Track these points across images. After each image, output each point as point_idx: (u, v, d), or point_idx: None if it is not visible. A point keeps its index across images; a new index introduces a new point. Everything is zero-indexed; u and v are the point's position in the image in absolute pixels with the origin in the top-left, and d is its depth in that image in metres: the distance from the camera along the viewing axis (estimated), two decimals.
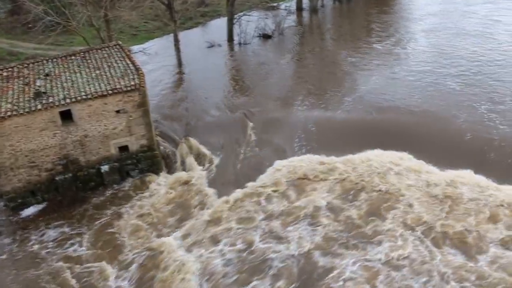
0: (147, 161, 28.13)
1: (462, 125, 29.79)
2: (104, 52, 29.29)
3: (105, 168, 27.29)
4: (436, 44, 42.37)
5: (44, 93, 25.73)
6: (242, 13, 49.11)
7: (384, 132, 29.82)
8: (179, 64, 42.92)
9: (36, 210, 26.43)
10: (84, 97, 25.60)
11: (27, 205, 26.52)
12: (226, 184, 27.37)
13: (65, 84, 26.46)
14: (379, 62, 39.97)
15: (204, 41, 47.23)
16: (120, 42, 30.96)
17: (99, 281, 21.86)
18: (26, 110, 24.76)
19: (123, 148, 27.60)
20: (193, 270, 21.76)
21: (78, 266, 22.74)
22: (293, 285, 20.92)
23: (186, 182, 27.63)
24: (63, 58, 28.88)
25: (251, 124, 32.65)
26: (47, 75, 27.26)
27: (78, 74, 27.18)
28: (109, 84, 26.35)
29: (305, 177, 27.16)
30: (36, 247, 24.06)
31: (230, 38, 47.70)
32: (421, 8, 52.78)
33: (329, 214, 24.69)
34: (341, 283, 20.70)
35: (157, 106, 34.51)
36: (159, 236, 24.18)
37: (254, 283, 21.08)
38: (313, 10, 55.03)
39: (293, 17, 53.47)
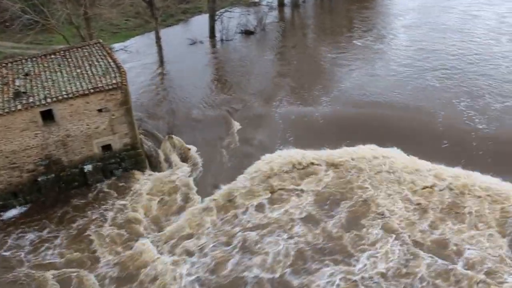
0: (130, 159, 27.95)
1: (441, 121, 30.19)
2: (84, 50, 28.95)
3: (88, 167, 27.04)
4: (416, 40, 42.80)
5: (24, 93, 25.35)
6: (223, 10, 48.95)
7: (365, 127, 30.21)
8: (161, 61, 42.64)
9: (18, 212, 26.04)
10: (65, 96, 25.29)
11: (9, 207, 26.11)
12: (210, 182, 27.40)
13: (45, 83, 26.10)
14: (360, 58, 40.23)
15: (185, 38, 46.98)
16: (101, 40, 30.63)
17: None
18: (6, 110, 24.36)
19: (106, 147, 27.37)
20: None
21: (49, 272, 21.99)
22: None
23: (169, 181, 27.48)
24: (43, 57, 28.44)
25: (234, 121, 32.71)
26: (26, 74, 26.85)
27: (58, 73, 26.82)
28: (91, 83, 26.07)
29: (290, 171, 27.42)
30: (8, 253, 23.34)
31: (212, 35, 47.55)
32: (401, 3, 53.22)
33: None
34: None
35: (139, 104, 34.27)
36: (136, 240, 23.62)
37: None
38: (295, 5, 55.17)
39: (275, 12, 53.53)
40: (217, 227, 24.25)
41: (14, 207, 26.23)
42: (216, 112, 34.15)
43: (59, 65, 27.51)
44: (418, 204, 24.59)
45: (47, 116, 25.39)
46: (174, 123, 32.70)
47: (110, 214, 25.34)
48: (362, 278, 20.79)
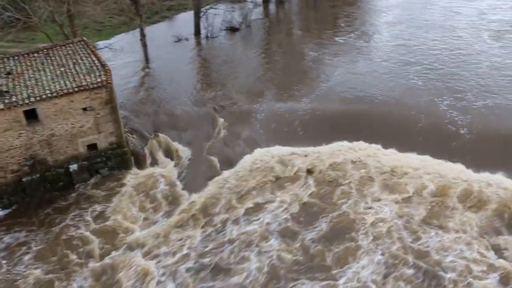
0: (116, 158, 27.80)
1: (423, 121, 30.14)
2: (68, 48, 28.69)
3: (73, 167, 26.83)
4: (399, 37, 42.86)
5: (7, 92, 25.02)
6: (208, 6, 48.77)
7: (350, 123, 30.46)
8: (146, 59, 42.40)
9: (2, 214, 25.72)
10: (49, 95, 25.05)
11: None
12: (195, 180, 27.37)
13: (28, 82, 25.80)
14: (342, 56, 40.12)
15: (171, 35, 46.73)
16: (85, 38, 30.37)
17: None
18: None
19: (92, 146, 27.19)
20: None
21: (22, 280, 21.42)
22: None
23: (154, 181, 27.35)
24: (26, 55, 28.12)
25: (220, 118, 32.71)
26: (8, 73, 26.51)
27: (42, 72, 26.54)
28: (75, 81, 25.85)
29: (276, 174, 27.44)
30: None
31: (197, 32, 47.38)
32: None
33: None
34: None
35: (125, 103, 34.05)
36: (117, 246, 23.20)
37: None
38: (280, 1, 55.18)
39: (260, 9, 53.47)
40: (188, 242, 23.28)
41: None
42: (202, 109, 34.07)
43: (42, 64, 27.22)
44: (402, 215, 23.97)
45: (31, 116, 25.13)
46: (160, 121, 32.59)
47: (90, 218, 24.91)
48: None
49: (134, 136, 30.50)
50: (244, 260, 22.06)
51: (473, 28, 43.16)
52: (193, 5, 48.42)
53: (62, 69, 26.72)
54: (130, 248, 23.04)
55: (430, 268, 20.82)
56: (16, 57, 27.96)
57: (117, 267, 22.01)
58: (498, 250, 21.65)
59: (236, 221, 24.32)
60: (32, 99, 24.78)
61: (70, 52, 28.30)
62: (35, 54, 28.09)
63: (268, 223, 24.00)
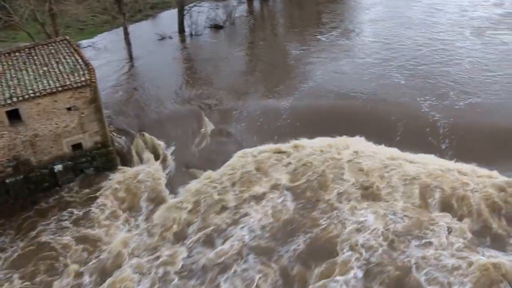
0: (102, 158, 27.61)
1: (405, 122, 30.11)
2: (51, 47, 28.29)
3: (58, 167, 26.55)
4: (381, 34, 43.05)
5: None
6: (192, 4, 48.68)
7: (336, 120, 30.62)
8: (130, 57, 42.11)
9: None
10: (32, 95, 24.73)
11: None
12: (181, 179, 27.31)
13: (10, 82, 25.40)
14: (326, 54, 40.12)
15: (154, 33, 46.48)
16: (68, 37, 30.00)
17: None
18: None
19: (77, 146, 26.94)
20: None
21: None
22: None
23: (140, 180, 27.15)
24: (7, 54, 27.61)
25: (206, 116, 32.68)
26: None
27: (24, 72, 26.16)
28: (58, 80, 25.57)
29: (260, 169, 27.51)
30: None
31: (181, 30, 47.20)
32: None
33: None
34: None
35: (110, 102, 33.77)
36: (96, 252, 22.53)
37: None
38: None
39: (244, 6, 53.48)
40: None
41: None
42: (188, 107, 34.03)
43: (24, 63, 26.82)
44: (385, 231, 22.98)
45: (14, 116, 24.78)
46: (145, 119, 32.43)
47: (69, 223, 24.35)
48: None
49: (119, 135, 30.34)
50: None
51: (455, 25, 43.66)
52: (176, 3, 48.23)
53: (45, 68, 26.40)
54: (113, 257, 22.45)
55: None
56: None
57: None
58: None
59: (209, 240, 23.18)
60: (14, 99, 24.44)
61: (53, 51, 27.93)
62: (17, 54, 27.64)
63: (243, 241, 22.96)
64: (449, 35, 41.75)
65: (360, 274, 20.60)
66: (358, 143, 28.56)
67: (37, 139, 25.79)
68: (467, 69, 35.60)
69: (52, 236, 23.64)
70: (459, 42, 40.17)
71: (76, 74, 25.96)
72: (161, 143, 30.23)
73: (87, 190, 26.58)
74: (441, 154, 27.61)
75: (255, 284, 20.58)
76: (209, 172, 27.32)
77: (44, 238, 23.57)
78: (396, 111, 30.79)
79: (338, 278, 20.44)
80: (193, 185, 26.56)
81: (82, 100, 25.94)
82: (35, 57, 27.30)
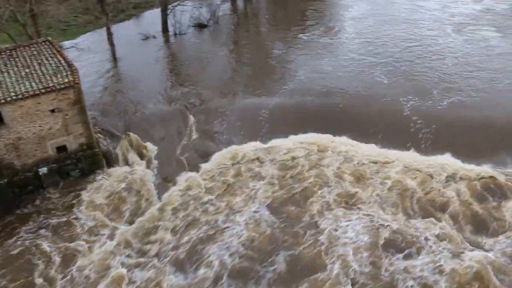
0: (87, 160, 27.39)
1: (387, 122, 30.16)
2: (32, 49, 27.93)
3: (43, 170, 26.28)
4: (363, 32, 43.01)
5: None
6: (176, 3, 48.42)
7: (321, 118, 30.73)
8: (114, 58, 41.77)
9: None
10: (14, 97, 24.41)
11: None
12: (167, 180, 27.24)
13: None
14: (309, 53, 40.03)
15: (138, 33, 46.17)
16: (50, 38, 29.64)
17: None
18: None
19: (61, 148, 26.68)
20: None
21: None
22: None
23: (127, 181, 26.97)
24: None
25: (191, 115, 32.63)
26: None
27: (5, 74, 25.79)
28: (41, 82, 25.29)
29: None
30: None
31: (165, 29, 46.97)
32: None
33: None
34: None
35: (94, 103, 33.54)
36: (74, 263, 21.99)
37: None
38: None
39: (227, 5, 53.37)
40: None
41: None
42: (173, 107, 33.96)
43: (5, 65, 26.43)
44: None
45: None
46: (130, 120, 32.24)
47: (49, 231, 23.79)
48: None
49: (105, 136, 30.13)
50: None
51: (437, 22, 44.08)
52: (159, 2, 47.96)
53: (27, 70, 26.07)
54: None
55: None
56: None
57: None
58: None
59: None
60: None
61: (35, 52, 27.59)
62: None
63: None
64: (432, 32, 42.09)
65: None
66: (340, 144, 28.55)
67: (21, 142, 25.47)
68: (449, 66, 35.85)
69: (29, 242, 23.14)
70: (442, 39, 40.58)
71: (59, 76, 25.70)
72: (146, 144, 30.09)
73: (71, 194, 26.27)
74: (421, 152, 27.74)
75: None
76: (189, 175, 26.98)
77: (21, 244, 23.07)
78: (378, 112, 30.75)
79: None
80: (173, 194, 25.87)
81: (65, 101, 25.68)
82: (17, 59, 26.95)
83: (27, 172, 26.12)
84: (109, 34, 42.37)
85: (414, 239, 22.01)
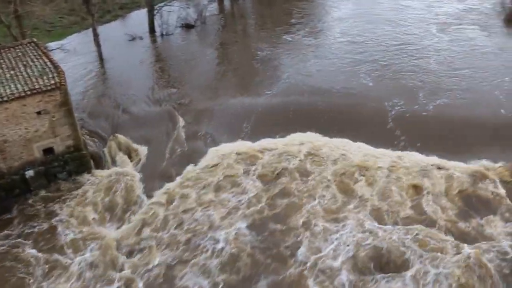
0: (75, 162, 27.21)
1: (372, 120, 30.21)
2: (17, 50, 27.75)
3: (29, 173, 26.05)
4: (349, 33, 42.92)
5: None
6: (162, 4, 48.28)
7: (306, 116, 30.91)
8: (101, 59, 41.53)
9: None
10: None
11: None
12: (155, 181, 27.05)
13: None
14: (293, 55, 39.83)
15: (124, 34, 45.96)
16: (35, 39, 29.46)
17: None
18: None
19: (48, 151, 26.48)
20: None
21: None
22: None
23: (114, 183, 26.85)
24: None
25: (179, 116, 32.60)
26: None
27: None
28: (27, 84, 25.09)
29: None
30: None
31: (152, 30, 46.82)
32: None
33: None
34: None
35: (81, 105, 33.43)
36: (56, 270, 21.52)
37: None
38: None
39: (214, 5, 53.33)
40: None
41: None
42: (161, 108, 33.90)
43: None
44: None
45: None
46: (118, 121, 32.15)
47: (32, 239, 23.32)
48: None
49: (93, 138, 29.98)
50: None
51: (422, 22, 44.34)
52: (146, 2, 47.77)
53: (12, 72, 25.85)
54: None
55: None
56: None
57: None
58: None
59: None
60: None
61: (20, 54, 27.40)
62: None
63: None
64: (417, 32, 42.33)
65: None
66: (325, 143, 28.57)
67: (6, 144, 25.23)
68: (435, 67, 36.04)
69: (11, 249, 22.81)
70: (427, 39, 40.82)
71: (45, 77, 25.53)
72: (134, 145, 30.00)
73: (58, 197, 26.03)
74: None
75: None
76: (169, 186, 26.33)
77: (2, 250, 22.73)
78: (362, 115, 30.70)
79: None
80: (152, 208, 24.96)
81: (52, 103, 25.51)
82: (1, 61, 26.76)
83: (14, 175, 25.89)
84: (95, 35, 42.10)
85: (403, 256, 21.19)
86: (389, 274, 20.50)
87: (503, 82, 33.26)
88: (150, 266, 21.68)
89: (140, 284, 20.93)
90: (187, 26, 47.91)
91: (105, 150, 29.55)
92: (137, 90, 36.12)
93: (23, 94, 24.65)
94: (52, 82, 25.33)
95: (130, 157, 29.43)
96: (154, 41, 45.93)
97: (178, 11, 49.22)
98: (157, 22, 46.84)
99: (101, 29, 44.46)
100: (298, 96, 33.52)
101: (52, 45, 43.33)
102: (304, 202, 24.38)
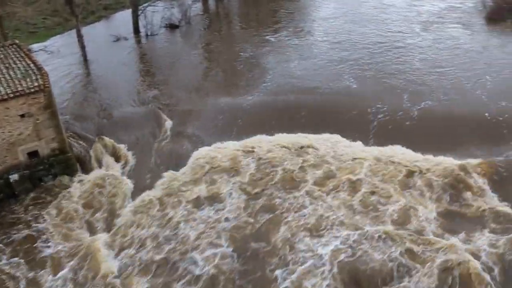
0: (60, 165, 26.93)
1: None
2: None
3: (14, 177, 25.67)
4: (332, 33, 42.93)
5: None
6: (146, 4, 48.04)
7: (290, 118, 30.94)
8: (85, 60, 41.12)
9: None
10: None
11: None
12: (142, 183, 26.96)
13: None
14: (277, 55, 39.83)
15: (109, 35, 45.62)
16: (17, 41, 29.10)
17: None
18: None
19: (33, 154, 26.16)
20: None
21: None
22: None
23: (101, 185, 26.68)
24: None
25: (165, 116, 32.49)
26: None
27: None
28: (9, 87, 24.74)
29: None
30: None
31: (136, 31, 46.55)
32: None
33: None
34: None
35: (66, 106, 33.06)
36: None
37: None
38: None
39: (199, 5, 53.21)
40: None
41: None
42: (146, 109, 33.73)
43: None
44: None
45: None
46: (104, 123, 31.88)
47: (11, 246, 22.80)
48: None
49: (78, 140, 29.70)
50: None
51: (405, 21, 44.71)
52: (130, 3, 47.47)
53: None
54: None
55: None
56: None
57: None
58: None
59: None
60: None
61: (2, 56, 27.01)
62: None
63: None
64: (400, 31, 42.68)
65: None
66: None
67: None
68: (418, 66, 36.25)
69: None
70: (410, 38, 41.18)
71: (28, 80, 25.22)
72: (120, 146, 29.83)
73: (42, 201, 25.69)
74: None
75: None
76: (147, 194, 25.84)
77: None
78: (345, 116, 30.78)
79: None
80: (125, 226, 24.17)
81: (36, 106, 25.21)
82: None
83: None
84: (79, 36, 41.69)
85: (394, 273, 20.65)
86: None
87: (486, 81, 33.70)
88: None
89: None
90: (172, 26, 47.75)
91: (91, 152, 29.29)
92: (123, 91, 35.90)
93: (5, 97, 24.30)
94: (36, 84, 25.03)
95: (116, 158, 29.23)
96: (139, 41, 45.69)
97: (162, 11, 49.01)
98: (141, 23, 46.58)
99: (85, 30, 44.02)
100: (282, 97, 33.56)
101: (35, 46, 42.75)
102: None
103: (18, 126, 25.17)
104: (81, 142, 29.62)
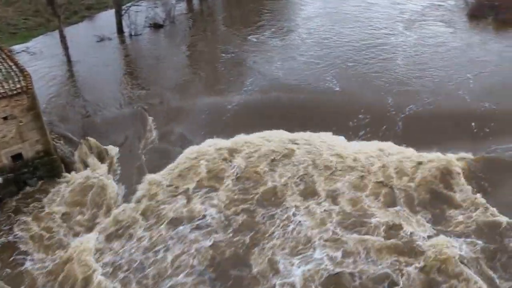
0: (45, 167, 26.67)
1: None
2: None
3: None
4: (316, 33, 43.18)
5: None
6: (130, 4, 47.72)
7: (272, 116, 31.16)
8: (68, 61, 40.73)
9: None
10: None
11: None
12: (128, 183, 26.86)
13: None
14: (259, 56, 39.89)
15: (92, 35, 45.19)
16: None
17: None
18: None
19: (17, 157, 25.85)
20: None
21: None
22: None
23: (87, 186, 26.49)
24: None
25: (150, 117, 32.38)
26: None
27: None
28: None
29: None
30: None
31: (120, 31, 46.22)
32: None
33: None
34: None
35: (50, 108, 32.78)
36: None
37: None
38: None
39: (183, 4, 53.01)
40: None
41: None
42: (131, 109, 33.61)
43: None
44: None
45: None
46: (88, 124, 31.68)
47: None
48: None
49: (63, 142, 29.39)
50: None
51: (388, 20, 45.21)
52: (113, 2, 47.07)
53: None
54: None
55: None
56: None
57: None
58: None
59: None
60: None
61: None
62: None
63: None
64: (384, 30, 43.02)
65: None
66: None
67: None
68: (401, 66, 36.55)
69: None
70: (394, 37, 41.58)
71: (10, 81, 24.90)
72: (106, 147, 29.65)
73: (24, 206, 25.36)
74: None
75: None
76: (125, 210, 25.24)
77: None
78: (328, 116, 30.94)
79: None
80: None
81: (19, 108, 24.91)
82: None
83: None
84: (62, 37, 41.25)
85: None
86: None
87: (468, 79, 34.26)
88: None
89: None
90: (156, 26, 47.54)
91: (76, 154, 29.02)
92: (107, 92, 35.65)
93: None
94: (18, 86, 24.73)
95: (102, 160, 29.02)
96: (122, 41, 45.37)
97: (146, 10, 48.83)
98: (125, 23, 46.29)
99: (68, 30, 43.62)
100: (263, 96, 33.70)
101: (16, 48, 42.30)
102: None
103: (1, 128, 24.87)
104: (66, 144, 29.34)
